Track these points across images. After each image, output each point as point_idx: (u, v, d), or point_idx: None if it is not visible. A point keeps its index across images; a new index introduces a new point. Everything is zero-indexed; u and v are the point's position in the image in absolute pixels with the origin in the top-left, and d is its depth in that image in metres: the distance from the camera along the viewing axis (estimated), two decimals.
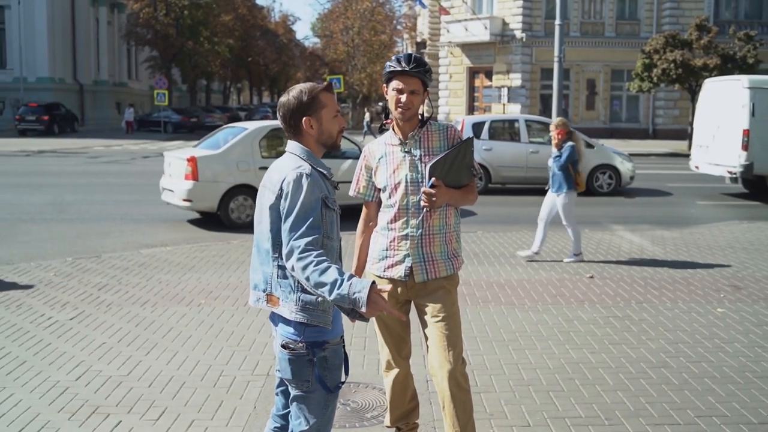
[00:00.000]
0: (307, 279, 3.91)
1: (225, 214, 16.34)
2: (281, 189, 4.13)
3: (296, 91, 4.28)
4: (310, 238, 3.97)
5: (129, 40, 74.23)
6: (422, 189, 5.04)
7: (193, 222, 17.31)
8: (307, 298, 4.16)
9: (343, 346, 4.41)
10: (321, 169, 4.25)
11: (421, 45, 74.58)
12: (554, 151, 12.64)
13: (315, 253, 3.93)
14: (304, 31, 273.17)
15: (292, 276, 4.14)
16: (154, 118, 63.01)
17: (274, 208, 4.17)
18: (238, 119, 68.65)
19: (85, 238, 15.24)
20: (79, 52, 70.97)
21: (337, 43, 79.45)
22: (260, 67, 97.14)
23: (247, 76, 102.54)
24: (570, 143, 12.44)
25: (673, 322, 9.32)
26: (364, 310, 3.83)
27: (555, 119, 13.44)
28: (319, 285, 3.88)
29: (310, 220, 4.01)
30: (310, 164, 4.21)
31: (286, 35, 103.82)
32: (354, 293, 3.81)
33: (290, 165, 4.21)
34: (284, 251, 4.03)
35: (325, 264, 3.90)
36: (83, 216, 18.10)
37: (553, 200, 12.79)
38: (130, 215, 18.20)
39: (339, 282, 3.84)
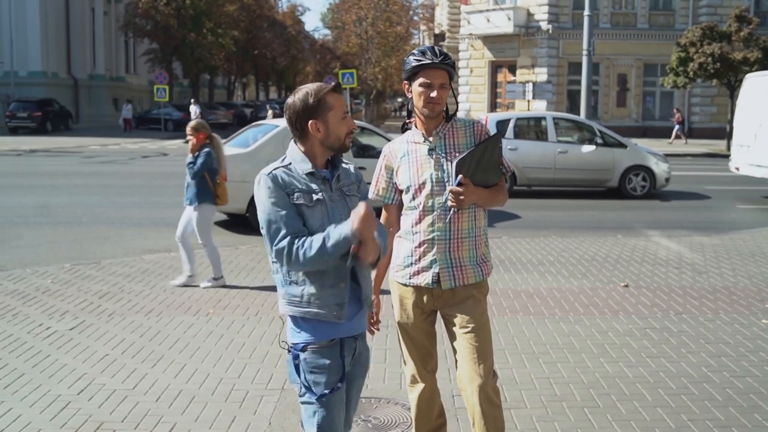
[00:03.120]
0: (307, 263, 4.21)
1: (254, 216, 16.20)
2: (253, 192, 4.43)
3: (302, 93, 4.40)
4: (285, 240, 4.23)
5: (127, 31, 74.32)
6: (449, 188, 5.05)
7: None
8: (292, 290, 4.38)
9: (339, 352, 4.46)
10: (296, 166, 4.40)
11: (440, 37, 74.67)
12: (189, 156, 11.72)
13: (293, 244, 4.21)
14: (313, 23, 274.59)
15: (279, 271, 4.40)
16: (153, 116, 63.13)
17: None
18: (243, 116, 68.82)
19: (82, 243, 15.32)
20: (73, 44, 71.34)
21: (350, 35, 79.37)
22: (267, 61, 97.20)
23: (253, 71, 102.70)
24: (207, 149, 11.68)
25: (715, 334, 9.32)
26: (351, 234, 4.12)
27: (192, 122, 12.02)
28: (318, 255, 4.17)
29: (278, 221, 4.26)
30: (289, 163, 4.41)
31: (294, 27, 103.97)
32: (341, 234, 4.15)
33: (264, 169, 4.45)
34: (272, 258, 4.34)
35: (302, 240, 4.22)
36: (80, 219, 18.17)
37: (190, 214, 11.90)
38: (131, 218, 18.27)
39: (326, 238, 4.17)
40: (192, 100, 54.68)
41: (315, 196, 4.36)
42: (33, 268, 12.61)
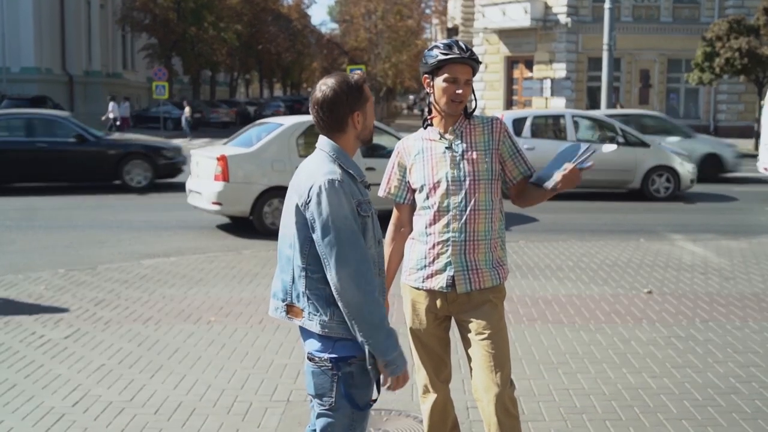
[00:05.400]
0: (359, 308, 4.18)
1: (258, 219, 16.39)
2: (309, 196, 4.26)
3: (340, 82, 4.37)
4: (360, 261, 4.19)
5: (124, 25, 74.41)
6: (567, 170, 5.03)
7: (198, 230, 17.40)
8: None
9: (375, 363, 4.46)
10: (351, 171, 4.36)
11: (453, 31, 74.53)
12: None
13: (370, 278, 4.22)
14: (320, 16, 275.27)
15: (326, 288, 4.28)
16: (152, 114, 62.88)
17: (300, 214, 4.31)
18: (246, 115, 68.81)
19: (77, 248, 15.34)
20: (68, 39, 71.27)
21: (358, 30, 79.52)
22: (271, 57, 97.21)
23: (257, 67, 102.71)
24: None
25: (744, 343, 9.28)
26: (391, 375, 4.30)
27: None
28: (370, 322, 4.20)
29: (351, 236, 4.20)
30: (339, 165, 4.33)
31: (300, 20, 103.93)
32: (398, 355, 4.29)
33: (321, 169, 4.32)
34: (332, 273, 4.20)
35: (381, 301, 4.30)
36: (75, 223, 18.20)
37: None
38: (128, 222, 18.29)
39: (392, 334, 4.28)
40: (110, 96, 53.85)
41: (370, 209, 4.40)
42: (25, 273, 12.61)
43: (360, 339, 4.21)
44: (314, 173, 4.30)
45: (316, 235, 4.21)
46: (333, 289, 4.20)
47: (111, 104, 50.55)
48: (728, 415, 7.13)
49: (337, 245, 4.16)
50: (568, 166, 5.00)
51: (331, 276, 4.18)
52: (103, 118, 49.65)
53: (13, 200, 21.52)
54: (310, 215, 4.23)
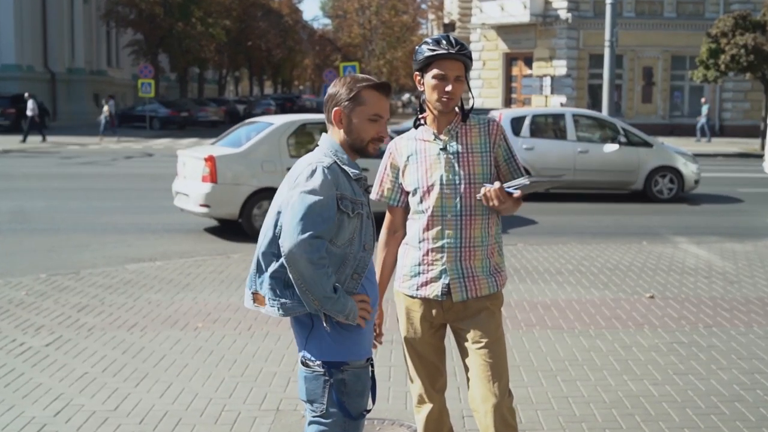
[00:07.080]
0: (308, 283, 4.23)
1: (247, 221, 16.35)
2: (296, 182, 4.35)
3: (343, 79, 4.53)
4: (321, 247, 4.25)
5: (109, 21, 74.28)
6: (494, 187, 4.95)
7: (185, 233, 17.39)
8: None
9: (372, 371, 4.58)
10: (347, 168, 4.39)
11: (450, 27, 74.40)
12: None
13: (325, 258, 4.25)
14: (312, 11, 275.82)
15: (284, 272, 4.35)
16: (138, 112, 62.91)
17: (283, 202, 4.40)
18: (236, 113, 68.73)
19: (60, 252, 15.31)
20: (50, 35, 71.18)
21: (352, 25, 79.62)
22: (261, 53, 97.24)
23: (247, 64, 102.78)
24: None
25: (748, 349, 9.28)
26: (354, 321, 4.42)
27: None
28: (318, 289, 4.25)
29: (322, 213, 4.25)
30: (335, 160, 4.39)
31: (291, 16, 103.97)
32: (348, 311, 4.37)
33: (309, 159, 4.44)
34: (285, 239, 4.25)
35: (331, 273, 4.28)
36: (57, 226, 18.15)
37: None
38: (113, 225, 18.25)
39: (341, 294, 4.35)
40: (27, 94, 53.20)
41: (358, 210, 4.43)
42: (6, 278, 12.58)
43: (313, 309, 4.31)
44: (303, 163, 4.42)
45: (290, 209, 4.29)
46: (284, 257, 4.25)
47: (30, 102, 49.28)
48: (732, 423, 7.13)
49: (301, 213, 4.22)
50: (496, 185, 4.96)
51: (284, 243, 4.23)
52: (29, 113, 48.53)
53: None
54: (288, 193, 4.32)
